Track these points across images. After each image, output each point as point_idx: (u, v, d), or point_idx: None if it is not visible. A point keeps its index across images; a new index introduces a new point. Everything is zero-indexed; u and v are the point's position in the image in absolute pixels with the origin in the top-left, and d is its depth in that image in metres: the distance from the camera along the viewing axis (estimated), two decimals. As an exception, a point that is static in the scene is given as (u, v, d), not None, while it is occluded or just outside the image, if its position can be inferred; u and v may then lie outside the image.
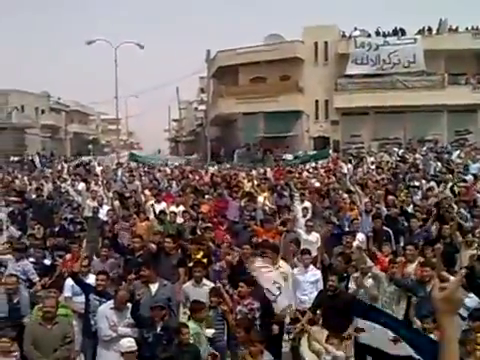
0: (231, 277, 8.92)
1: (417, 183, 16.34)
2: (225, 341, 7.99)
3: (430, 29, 38.46)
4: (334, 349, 6.68)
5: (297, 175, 18.91)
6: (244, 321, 7.24)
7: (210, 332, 7.40)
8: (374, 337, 6.73)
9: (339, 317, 7.52)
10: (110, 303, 7.54)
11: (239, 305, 7.77)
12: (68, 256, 10.30)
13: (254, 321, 7.54)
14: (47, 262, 10.17)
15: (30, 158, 33.50)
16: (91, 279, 8.56)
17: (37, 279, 9.46)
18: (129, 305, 7.54)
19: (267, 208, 14.10)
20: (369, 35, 38.53)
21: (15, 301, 8.09)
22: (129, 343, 6.62)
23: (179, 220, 12.86)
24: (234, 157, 34.54)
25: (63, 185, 17.72)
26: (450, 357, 2.29)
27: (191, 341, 6.92)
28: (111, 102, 53.87)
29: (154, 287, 8.22)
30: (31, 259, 10.00)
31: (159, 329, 7.22)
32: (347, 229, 11.58)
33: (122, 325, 7.37)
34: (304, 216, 13.04)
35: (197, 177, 19.59)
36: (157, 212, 13.35)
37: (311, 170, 20.80)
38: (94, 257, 10.41)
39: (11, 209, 14.21)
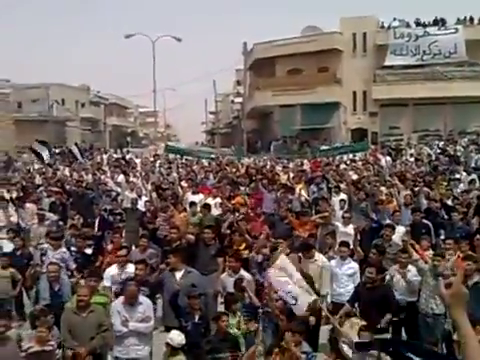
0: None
1: (458, 176, 16.03)
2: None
3: (472, 19, 37.53)
4: None
5: (334, 167, 18.76)
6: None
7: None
8: None
9: (377, 310, 7.46)
10: (122, 298, 7.38)
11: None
12: (109, 246, 10.53)
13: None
14: (88, 251, 10.40)
15: (69, 149, 34.04)
16: (130, 268, 8.70)
17: (74, 266, 9.69)
18: (141, 299, 7.32)
19: (303, 199, 14.04)
20: (408, 25, 37.88)
21: (56, 288, 8.38)
22: (179, 337, 6.59)
23: (216, 212, 12.92)
24: (270, 149, 34.43)
25: (103, 177, 17.99)
26: (471, 353, 2.27)
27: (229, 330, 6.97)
28: (149, 95, 54.62)
29: (179, 274, 8.31)
30: (73, 248, 10.27)
31: (197, 318, 7.24)
32: (388, 222, 11.36)
33: (134, 320, 7.16)
34: (341, 208, 12.95)
35: (234, 169, 19.61)
36: (192, 203, 13.43)
37: (349, 162, 20.59)
38: (133, 247, 10.60)
39: (53, 200, 14.58)
